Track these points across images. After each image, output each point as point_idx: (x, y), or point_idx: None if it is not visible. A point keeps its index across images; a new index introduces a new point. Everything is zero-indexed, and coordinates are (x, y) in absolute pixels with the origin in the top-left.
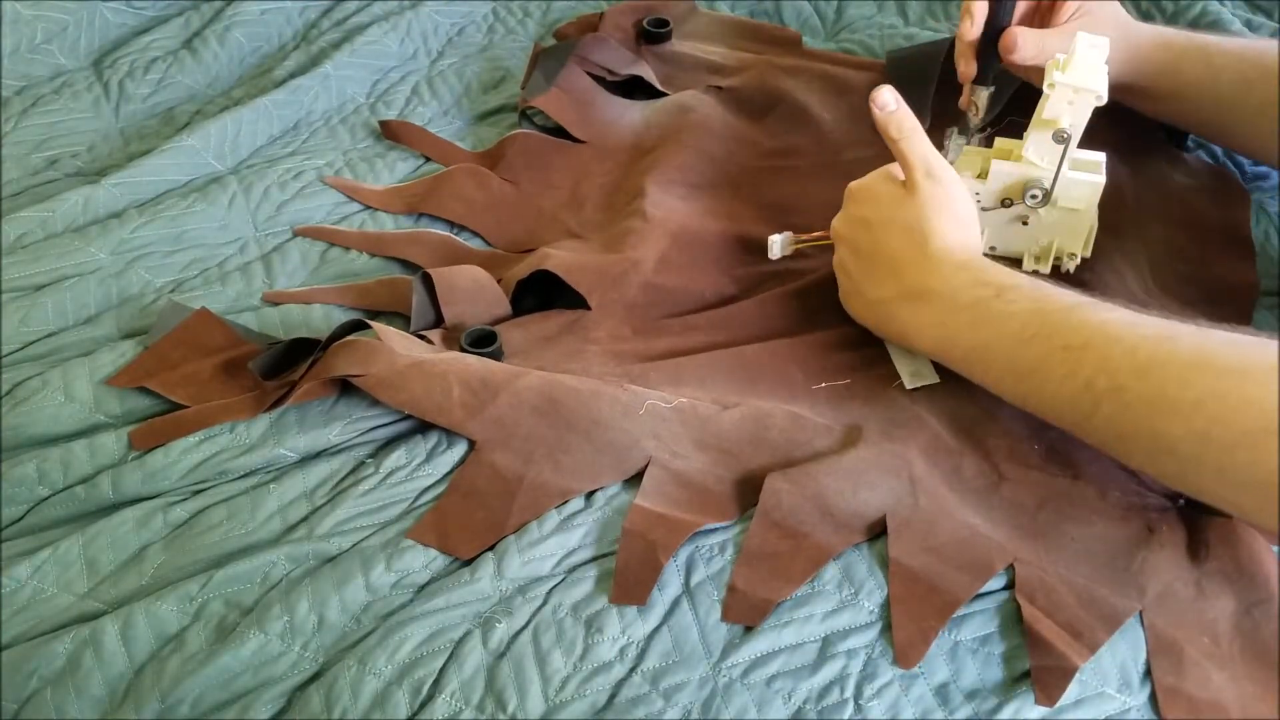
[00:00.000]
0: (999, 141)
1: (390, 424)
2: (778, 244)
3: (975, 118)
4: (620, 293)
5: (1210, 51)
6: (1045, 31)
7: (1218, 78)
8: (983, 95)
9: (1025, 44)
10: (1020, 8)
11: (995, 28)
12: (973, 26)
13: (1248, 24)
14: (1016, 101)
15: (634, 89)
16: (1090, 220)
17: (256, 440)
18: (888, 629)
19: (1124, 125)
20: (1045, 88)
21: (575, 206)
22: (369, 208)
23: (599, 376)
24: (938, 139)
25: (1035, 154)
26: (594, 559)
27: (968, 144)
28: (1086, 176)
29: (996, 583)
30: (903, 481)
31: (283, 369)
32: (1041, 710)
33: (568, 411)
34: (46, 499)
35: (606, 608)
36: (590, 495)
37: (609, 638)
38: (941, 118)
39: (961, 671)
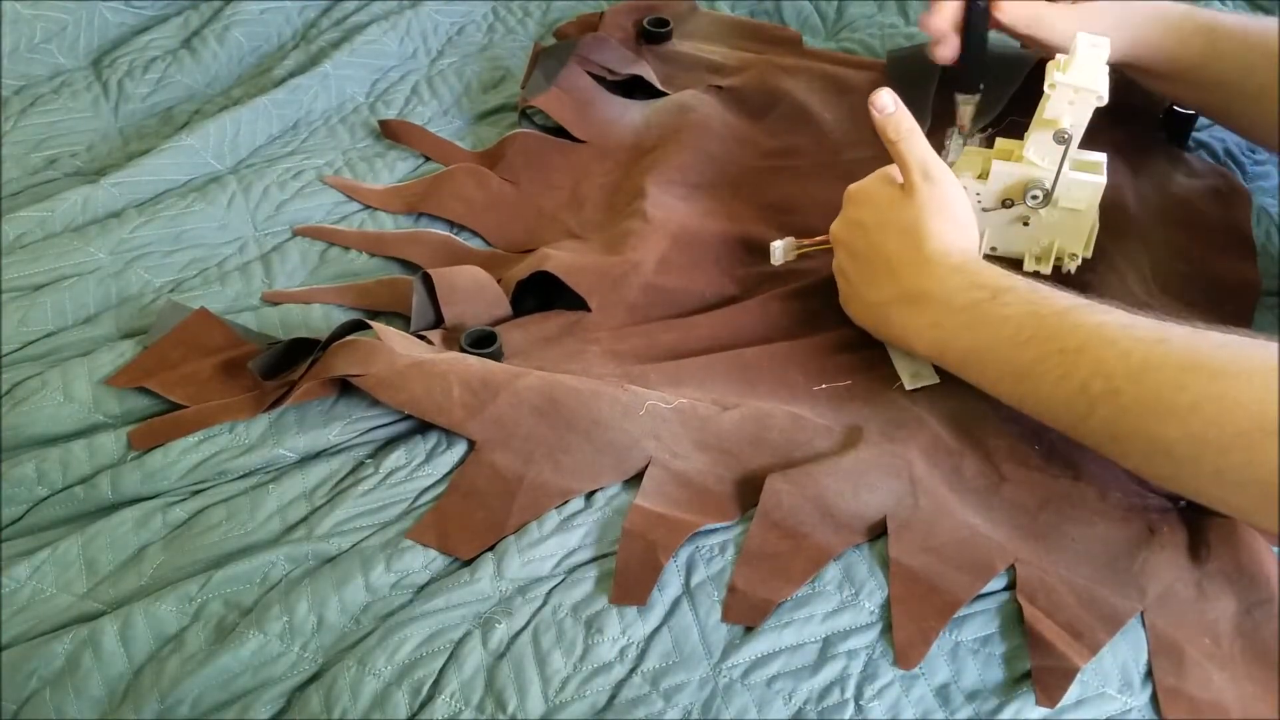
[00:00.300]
0: (1000, 142)
1: (390, 424)
2: (779, 250)
3: (963, 128)
4: (621, 294)
5: (1216, 34)
6: (1041, 4)
7: (1221, 60)
8: (968, 106)
9: (1019, 10)
10: None
11: (975, 36)
12: (939, 19)
13: None
14: (1017, 101)
15: (634, 89)
16: (1091, 221)
17: (256, 440)
18: (888, 629)
19: (1125, 125)
20: (1046, 88)
21: (575, 206)
22: (369, 207)
23: (599, 377)
24: (938, 139)
25: (1036, 154)
26: (594, 559)
27: (967, 144)
28: (1087, 177)
29: (997, 583)
30: (903, 482)
31: (282, 369)
32: (1042, 711)
33: (568, 412)
34: (46, 499)
35: (606, 608)
36: (590, 495)
37: (609, 638)
38: (942, 118)
39: (962, 672)
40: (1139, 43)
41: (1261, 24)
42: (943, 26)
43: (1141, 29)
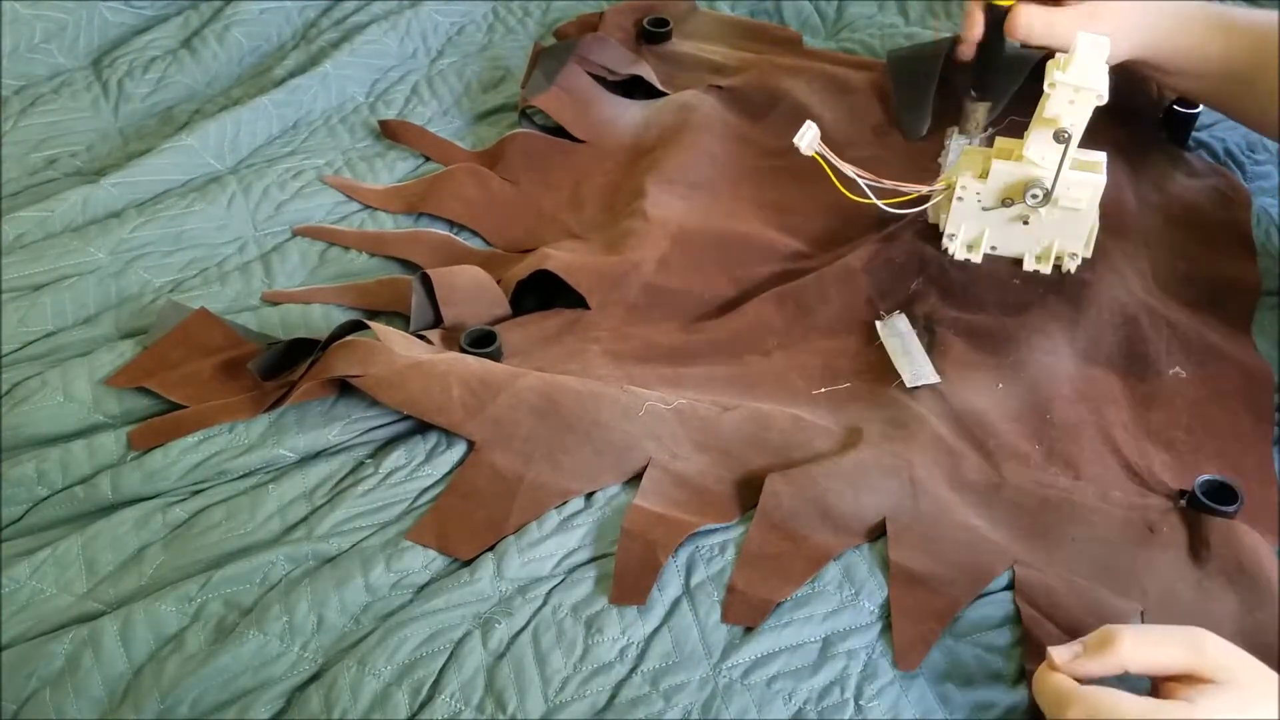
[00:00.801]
0: (1000, 141)
1: (390, 424)
2: (807, 137)
3: (974, 130)
4: (621, 293)
5: (1230, 30)
6: (1055, 10)
7: (1234, 57)
8: (979, 110)
9: (1032, 22)
10: None
11: (991, 46)
12: (970, 29)
13: None
14: (1017, 101)
15: (634, 89)
16: (1091, 220)
17: (256, 440)
18: (888, 629)
19: (1125, 125)
20: (1046, 87)
21: (575, 206)
22: (368, 207)
23: (599, 377)
24: (938, 139)
25: (1036, 153)
26: (593, 559)
27: (968, 144)
28: (1087, 176)
29: (998, 583)
30: (903, 483)
31: (282, 369)
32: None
33: (567, 412)
34: (46, 499)
35: (606, 608)
36: (590, 496)
37: (609, 638)
38: (942, 118)
39: (962, 672)
40: (1153, 42)
41: (1272, 19)
42: (971, 38)
43: (1156, 29)
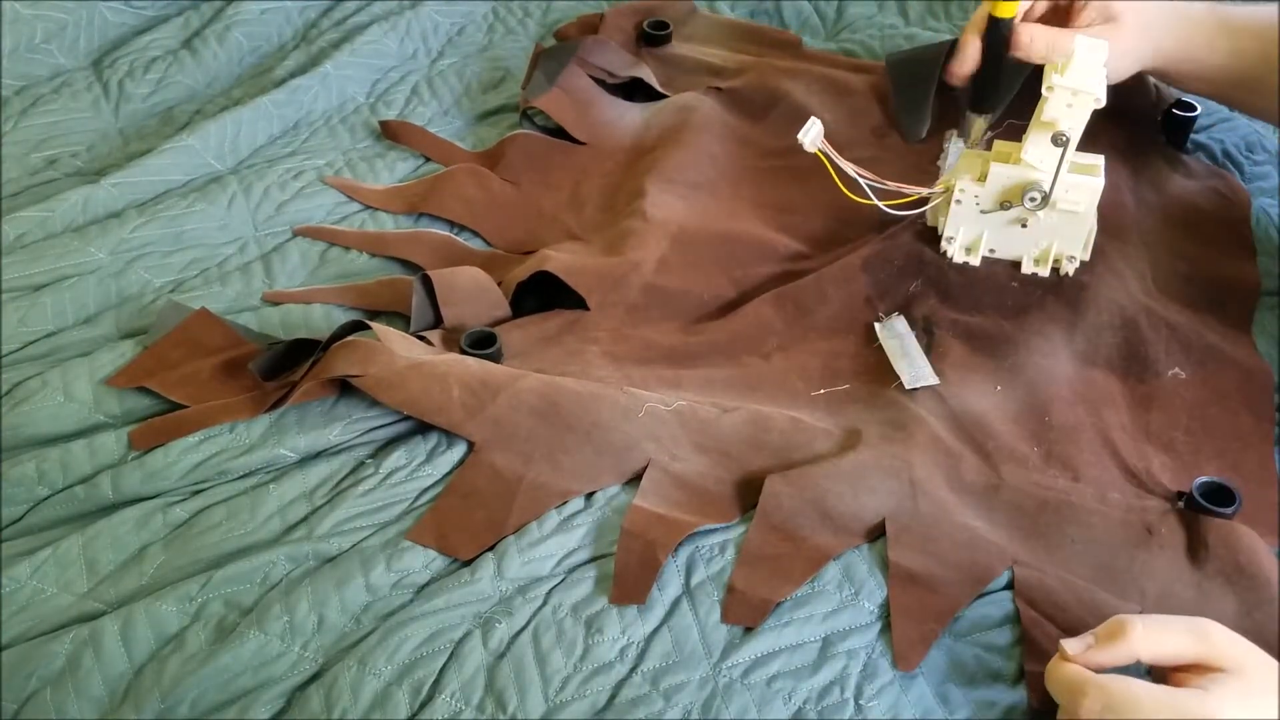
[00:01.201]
0: (998, 144)
1: (390, 424)
2: (811, 133)
3: (974, 143)
4: (621, 294)
5: (1237, 32)
6: (1058, 30)
7: (1241, 58)
8: (978, 124)
9: (1035, 42)
10: (1039, 7)
11: (993, 59)
12: (962, 64)
13: None
14: (1016, 104)
15: (634, 91)
16: (1089, 223)
17: (256, 440)
18: (888, 629)
19: (1123, 127)
20: (1044, 90)
21: (575, 207)
22: (369, 207)
23: (598, 379)
24: (937, 142)
25: (1034, 156)
26: (593, 559)
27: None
28: (1085, 179)
29: (997, 582)
30: (902, 484)
31: (283, 369)
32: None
33: (567, 413)
34: (46, 499)
35: (606, 608)
36: (590, 496)
37: (609, 638)
38: (941, 120)
39: (962, 672)
40: (1161, 57)
41: (1274, 14)
42: (964, 73)
43: (1162, 46)
